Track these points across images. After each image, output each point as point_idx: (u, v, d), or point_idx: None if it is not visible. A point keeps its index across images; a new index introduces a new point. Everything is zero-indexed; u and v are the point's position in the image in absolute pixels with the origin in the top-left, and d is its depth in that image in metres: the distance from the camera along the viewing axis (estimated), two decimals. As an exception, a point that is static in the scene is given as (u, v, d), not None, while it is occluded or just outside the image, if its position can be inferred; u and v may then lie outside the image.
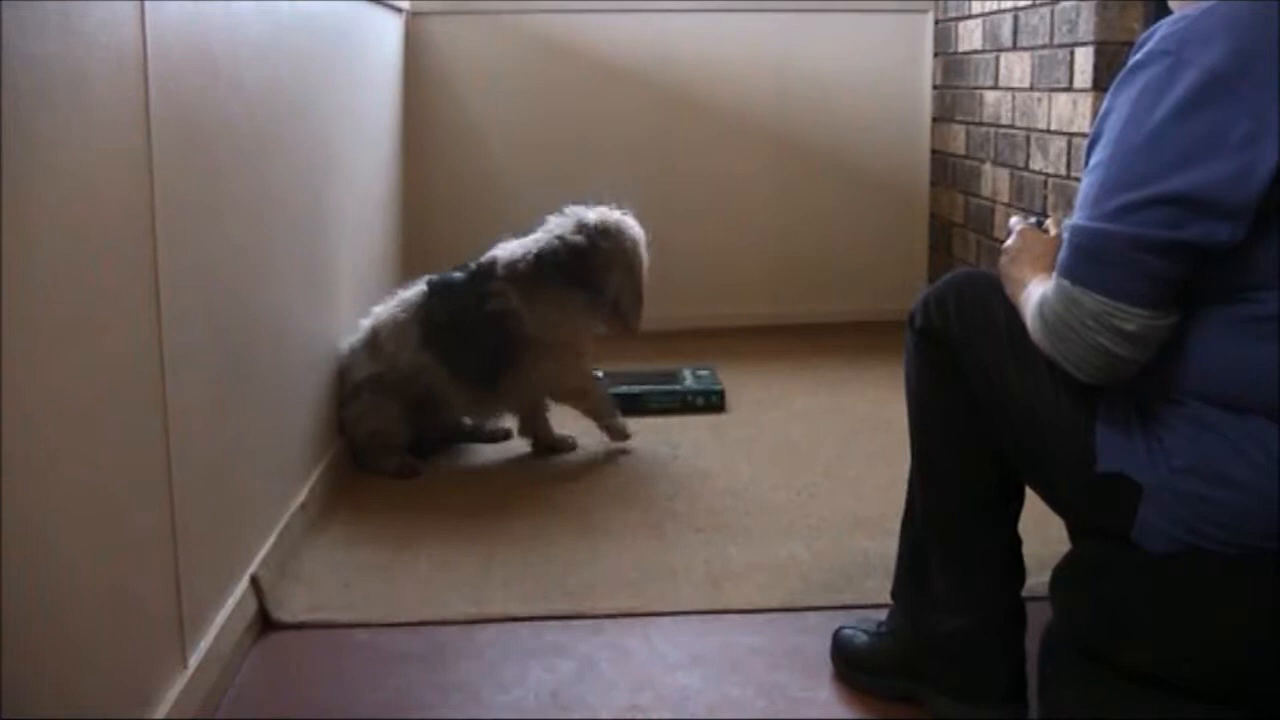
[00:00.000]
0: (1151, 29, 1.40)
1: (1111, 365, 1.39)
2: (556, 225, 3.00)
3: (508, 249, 2.98)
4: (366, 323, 3.00)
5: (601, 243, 2.95)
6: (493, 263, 2.95)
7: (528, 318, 2.89)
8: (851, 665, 1.89)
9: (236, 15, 2.05)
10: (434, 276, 3.02)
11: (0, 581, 1.20)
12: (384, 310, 3.00)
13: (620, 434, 3.06)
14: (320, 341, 2.74)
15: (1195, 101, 1.32)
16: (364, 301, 3.26)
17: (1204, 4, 1.38)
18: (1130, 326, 1.36)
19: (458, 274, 2.99)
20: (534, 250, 2.94)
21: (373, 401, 2.88)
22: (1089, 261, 1.37)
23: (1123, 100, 1.39)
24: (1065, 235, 1.42)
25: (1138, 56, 1.39)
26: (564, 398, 3.05)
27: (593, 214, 3.00)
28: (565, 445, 3.07)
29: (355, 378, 2.91)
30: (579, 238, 2.95)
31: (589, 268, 2.94)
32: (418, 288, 3.01)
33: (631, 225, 3.01)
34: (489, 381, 2.93)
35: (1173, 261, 1.34)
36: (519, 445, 3.09)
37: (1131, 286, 1.35)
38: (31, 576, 1.28)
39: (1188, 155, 1.32)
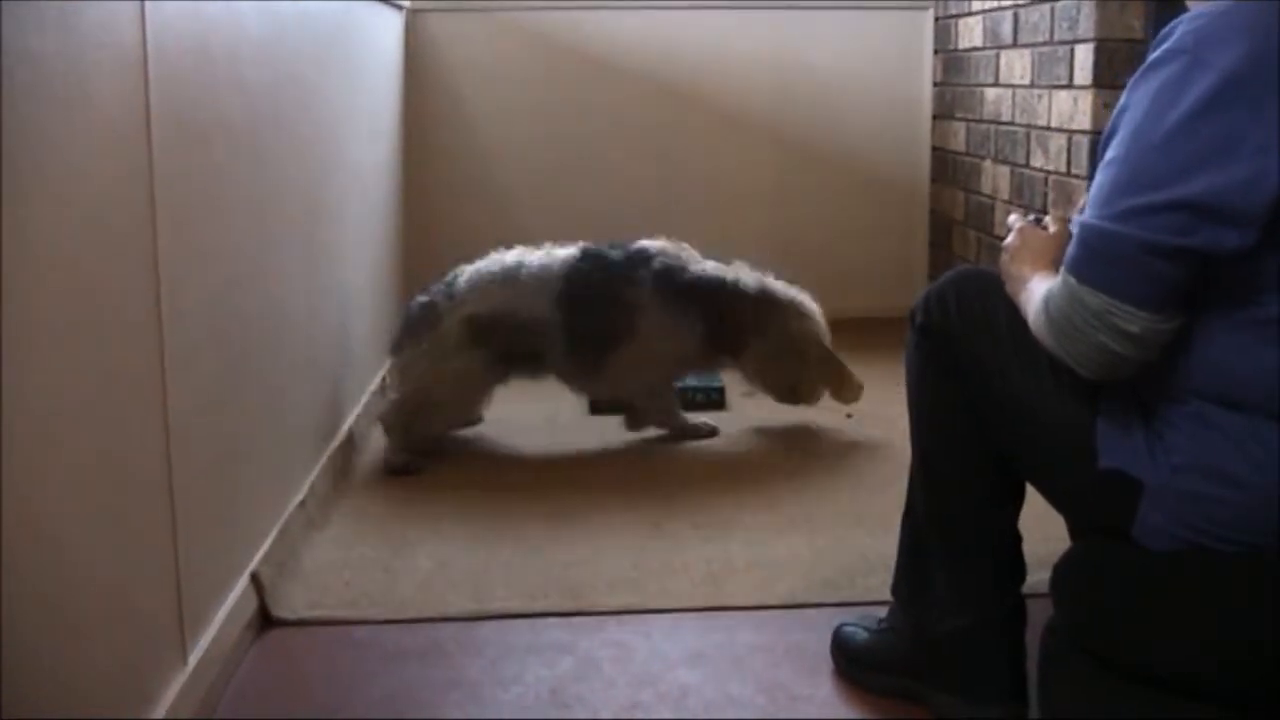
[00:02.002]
0: (1171, 25, 1.38)
1: (1113, 364, 1.39)
2: (739, 268, 3.08)
3: (669, 253, 3.02)
4: (497, 257, 3.00)
5: (764, 305, 3.04)
6: (647, 258, 2.99)
7: (642, 321, 2.95)
8: (852, 662, 1.89)
9: (236, 13, 2.05)
10: (590, 245, 3.03)
11: (0, 580, 1.20)
12: (528, 255, 3.00)
13: (694, 433, 3.12)
14: (320, 340, 2.74)
15: (1210, 105, 1.31)
16: (363, 297, 3.26)
17: (1226, 2, 1.36)
18: (1133, 328, 1.36)
19: (614, 251, 3.01)
20: (700, 274, 3.01)
21: (488, 345, 2.89)
22: (1096, 261, 1.37)
23: (1139, 97, 1.38)
24: (1075, 231, 1.42)
25: (1156, 54, 1.38)
26: (639, 391, 3.10)
27: (781, 286, 3.11)
28: (701, 431, 3.14)
29: (473, 311, 2.90)
30: (748, 290, 3.03)
31: (731, 322, 3.01)
32: (569, 248, 3.02)
33: (802, 311, 3.10)
34: (596, 360, 2.98)
35: (1179, 266, 1.34)
36: (519, 444, 3.09)
37: (1136, 289, 1.35)
38: (31, 575, 1.28)
39: (1201, 160, 1.31)
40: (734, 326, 3.03)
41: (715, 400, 3.38)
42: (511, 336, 2.92)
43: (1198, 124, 1.31)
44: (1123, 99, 1.42)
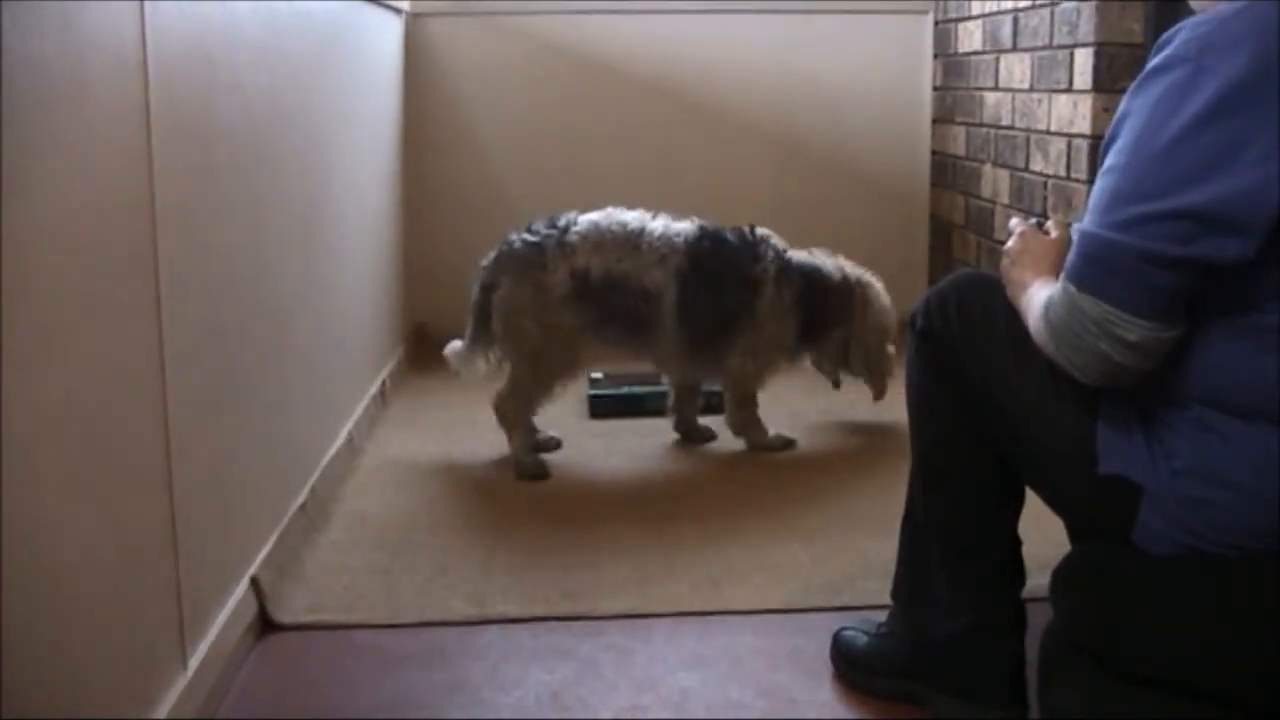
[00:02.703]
0: (1173, 30, 1.37)
1: (1113, 371, 1.39)
2: (821, 257, 3.10)
3: (781, 242, 3.02)
4: (610, 216, 2.93)
5: (848, 291, 3.07)
6: (765, 240, 2.97)
7: (760, 300, 2.92)
8: (852, 666, 1.89)
9: (236, 16, 2.05)
10: (706, 224, 2.98)
11: (0, 581, 1.20)
12: (649, 220, 2.93)
13: (777, 446, 3.06)
14: (320, 342, 2.73)
15: (1213, 114, 1.30)
16: (363, 300, 3.26)
17: (1229, 6, 1.35)
18: (1132, 336, 1.35)
19: (730, 231, 2.98)
20: (800, 260, 3.02)
21: (596, 310, 2.85)
22: (1096, 269, 1.37)
23: (1141, 104, 1.37)
24: (1075, 239, 1.41)
25: (1158, 60, 1.37)
26: (729, 389, 3.04)
27: (854, 270, 3.13)
28: (706, 435, 3.13)
29: (585, 264, 2.83)
30: (835, 276, 3.06)
31: (827, 304, 3.04)
32: (686, 223, 2.96)
33: (880, 294, 3.13)
34: (711, 340, 2.93)
35: (1179, 276, 1.33)
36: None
37: (1136, 298, 1.35)
38: (32, 577, 1.28)
39: (1203, 169, 1.30)
40: (824, 315, 3.05)
41: (715, 404, 3.35)
42: (625, 301, 2.85)
43: (1200, 132, 1.31)
44: (1123, 105, 1.41)
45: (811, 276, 3.02)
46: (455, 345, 3.02)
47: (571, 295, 2.84)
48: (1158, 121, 1.34)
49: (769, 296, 2.93)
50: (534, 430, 3.01)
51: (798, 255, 3.05)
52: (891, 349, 3.18)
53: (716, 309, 2.90)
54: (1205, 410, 1.41)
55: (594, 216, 2.92)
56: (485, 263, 2.96)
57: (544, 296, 2.84)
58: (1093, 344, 1.38)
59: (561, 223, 2.91)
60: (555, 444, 3.08)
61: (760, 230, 3.01)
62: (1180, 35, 1.36)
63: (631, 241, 2.87)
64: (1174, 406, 1.44)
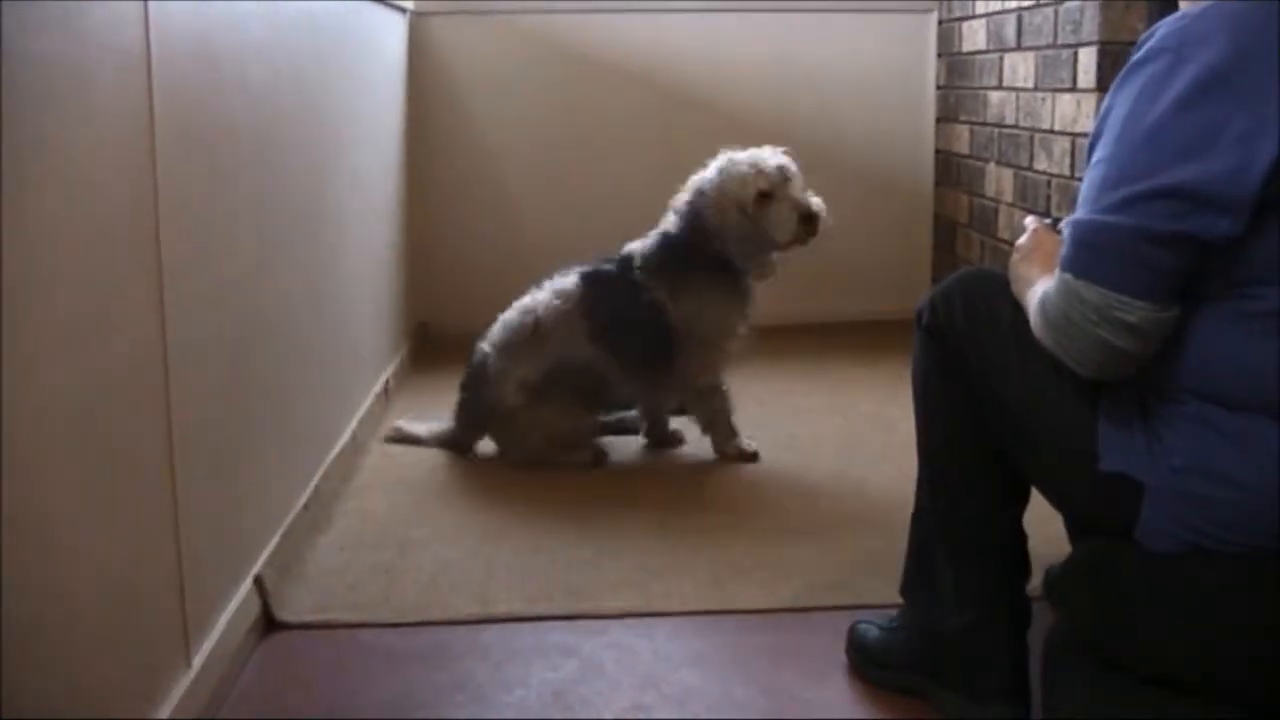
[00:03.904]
0: (1153, 27, 1.41)
1: (1113, 359, 1.39)
2: (677, 200, 2.96)
3: (640, 243, 2.96)
4: (513, 316, 2.95)
5: (707, 196, 2.88)
6: (630, 256, 2.94)
7: (672, 309, 2.89)
8: (862, 659, 1.89)
9: (240, 15, 2.05)
10: (584, 268, 2.97)
11: (1, 581, 1.20)
12: (535, 302, 2.94)
13: (735, 457, 2.98)
14: (324, 341, 2.74)
15: (1194, 97, 1.33)
16: (367, 300, 3.27)
17: (1205, 3, 1.39)
18: (1132, 319, 1.36)
19: (606, 265, 2.96)
20: (657, 234, 2.94)
21: (560, 398, 2.86)
22: (1091, 255, 1.38)
23: (1123, 97, 1.40)
24: (1066, 231, 1.43)
25: (1138, 55, 1.41)
26: (692, 396, 3.00)
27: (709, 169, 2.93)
28: (675, 440, 3.10)
29: (523, 375, 2.87)
30: (686, 203, 2.91)
31: (708, 236, 2.87)
32: (567, 279, 2.95)
33: (739, 162, 2.90)
34: (654, 371, 2.93)
35: (1174, 253, 1.35)
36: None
37: (1134, 279, 1.36)
38: (34, 576, 1.28)
39: (1186, 149, 1.33)
40: (716, 234, 2.94)
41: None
42: (573, 380, 2.88)
43: (1182, 115, 1.34)
44: (1107, 100, 1.45)
45: (682, 227, 2.92)
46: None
47: (534, 399, 2.87)
48: (1140, 110, 1.37)
49: (670, 290, 2.88)
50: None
51: (663, 221, 2.98)
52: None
53: (643, 338, 2.89)
54: (1203, 405, 1.42)
55: (504, 318, 2.97)
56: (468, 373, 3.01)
57: (513, 409, 2.88)
58: (1092, 331, 1.38)
59: (485, 344, 2.96)
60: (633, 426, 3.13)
61: (626, 249, 2.97)
62: (1159, 31, 1.40)
63: (539, 334, 2.90)
64: (1172, 402, 1.44)
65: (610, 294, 2.90)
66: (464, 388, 3.00)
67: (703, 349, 2.93)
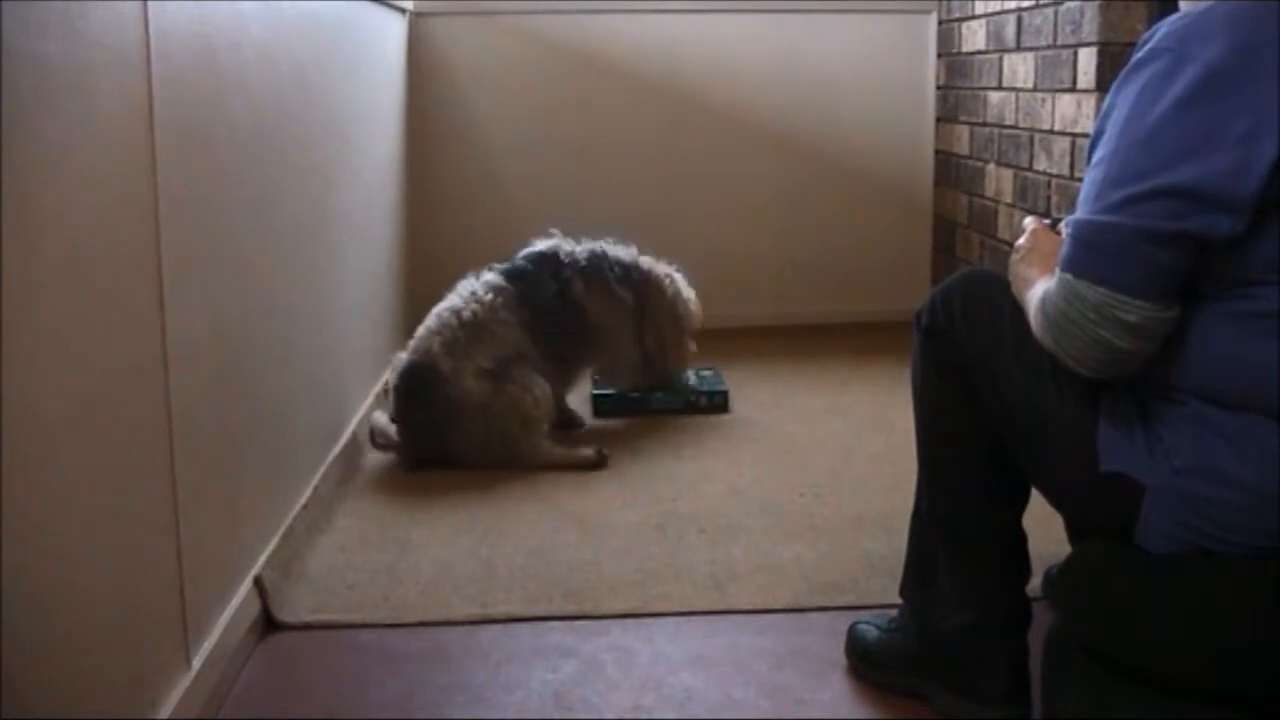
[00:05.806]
0: (1154, 27, 1.41)
1: (1113, 359, 1.39)
2: (607, 244, 3.21)
3: (565, 244, 3.14)
4: (444, 320, 2.96)
5: (642, 290, 3.21)
6: (555, 253, 3.11)
7: (591, 307, 3.10)
8: (861, 659, 1.89)
9: (240, 15, 2.05)
10: (501, 265, 3.09)
11: (1, 581, 1.20)
12: (460, 302, 2.98)
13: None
14: (324, 342, 2.73)
15: (1195, 96, 1.33)
16: (367, 301, 3.26)
17: (1205, 2, 1.39)
18: (1132, 318, 1.36)
19: (521, 263, 3.09)
20: (590, 249, 3.16)
21: (523, 375, 2.93)
22: (1091, 254, 1.38)
23: (1124, 97, 1.41)
24: (1067, 231, 1.43)
25: (1139, 54, 1.41)
26: (615, 377, 3.32)
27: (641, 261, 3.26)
28: (577, 420, 3.27)
29: (482, 363, 2.90)
30: (627, 261, 3.22)
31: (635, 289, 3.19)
32: (488, 277, 3.04)
33: (670, 281, 3.29)
34: (573, 363, 3.15)
35: (1175, 253, 1.35)
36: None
37: (1134, 278, 1.36)
38: (34, 577, 1.28)
39: (1188, 149, 1.33)
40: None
41: (718, 404, 3.37)
42: (524, 361, 2.97)
43: (1184, 114, 1.34)
44: (1108, 100, 1.45)
45: (613, 262, 3.18)
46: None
47: (490, 389, 2.89)
48: (1142, 110, 1.37)
49: (588, 288, 3.10)
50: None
51: (595, 245, 3.19)
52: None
53: (566, 332, 3.06)
54: (1202, 406, 1.42)
55: (428, 322, 3.00)
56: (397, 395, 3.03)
57: (475, 396, 2.89)
58: (1092, 331, 1.38)
59: (419, 335, 2.99)
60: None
61: (541, 244, 3.14)
62: (1160, 30, 1.40)
63: (480, 327, 2.95)
64: (1171, 403, 1.44)
65: (536, 288, 3.05)
66: (408, 405, 2.92)
67: (614, 335, 3.19)
